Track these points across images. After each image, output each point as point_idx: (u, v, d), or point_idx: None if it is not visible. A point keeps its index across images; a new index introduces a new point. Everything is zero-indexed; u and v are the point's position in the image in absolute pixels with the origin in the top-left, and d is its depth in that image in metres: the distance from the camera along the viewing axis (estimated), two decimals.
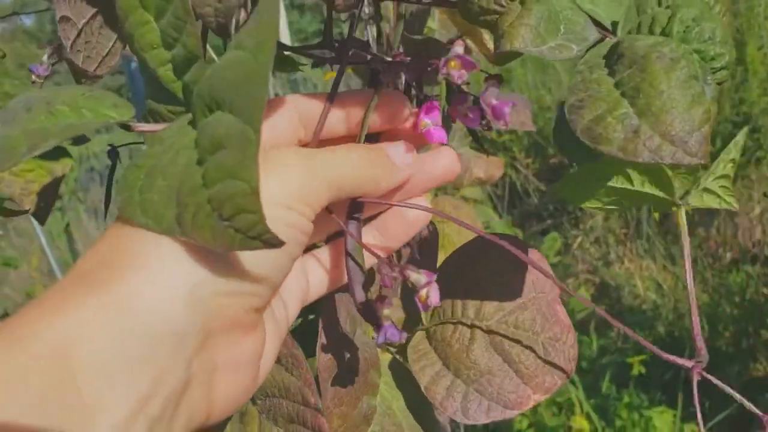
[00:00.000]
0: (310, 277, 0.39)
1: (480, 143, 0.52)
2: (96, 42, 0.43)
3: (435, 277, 0.33)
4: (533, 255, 0.44)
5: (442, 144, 0.38)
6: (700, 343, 0.38)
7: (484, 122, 0.38)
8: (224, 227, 0.26)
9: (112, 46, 0.47)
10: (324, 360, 0.40)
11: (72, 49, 0.42)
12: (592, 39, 0.35)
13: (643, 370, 1.82)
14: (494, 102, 0.36)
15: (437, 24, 1.41)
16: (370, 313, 0.35)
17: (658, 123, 0.31)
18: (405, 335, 0.42)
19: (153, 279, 0.28)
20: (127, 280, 0.28)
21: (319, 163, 0.33)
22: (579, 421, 1.69)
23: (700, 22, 0.36)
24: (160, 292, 0.28)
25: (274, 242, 0.26)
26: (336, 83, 0.39)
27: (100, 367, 0.26)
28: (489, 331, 0.43)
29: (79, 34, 0.42)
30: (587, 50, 0.36)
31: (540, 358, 0.42)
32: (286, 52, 0.57)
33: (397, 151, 0.37)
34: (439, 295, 0.33)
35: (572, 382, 1.77)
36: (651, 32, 0.37)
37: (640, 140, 0.31)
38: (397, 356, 0.47)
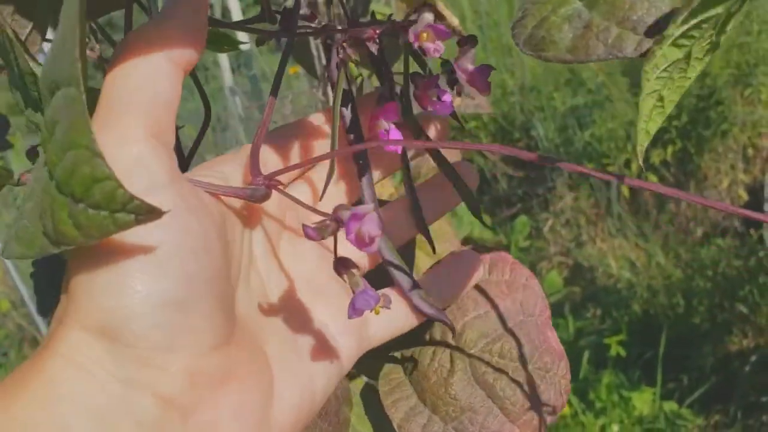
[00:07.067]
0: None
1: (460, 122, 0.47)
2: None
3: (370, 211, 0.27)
4: (521, 272, 0.40)
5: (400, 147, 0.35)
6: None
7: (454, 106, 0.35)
8: (81, 211, 0.21)
9: (29, 34, 0.41)
10: None
11: None
12: None
13: (621, 351, 1.81)
14: (470, 68, 0.32)
15: (394, 8, 1.36)
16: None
17: (615, 9, 0.25)
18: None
19: None
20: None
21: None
22: None
23: None
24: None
25: (148, 209, 0.20)
26: (283, 60, 0.34)
27: None
28: (471, 361, 0.38)
29: None
30: None
31: (528, 391, 0.37)
32: (222, 30, 0.51)
33: None
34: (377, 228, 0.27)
35: None
36: None
37: (593, 34, 0.25)
38: (370, 382, 0.43)
